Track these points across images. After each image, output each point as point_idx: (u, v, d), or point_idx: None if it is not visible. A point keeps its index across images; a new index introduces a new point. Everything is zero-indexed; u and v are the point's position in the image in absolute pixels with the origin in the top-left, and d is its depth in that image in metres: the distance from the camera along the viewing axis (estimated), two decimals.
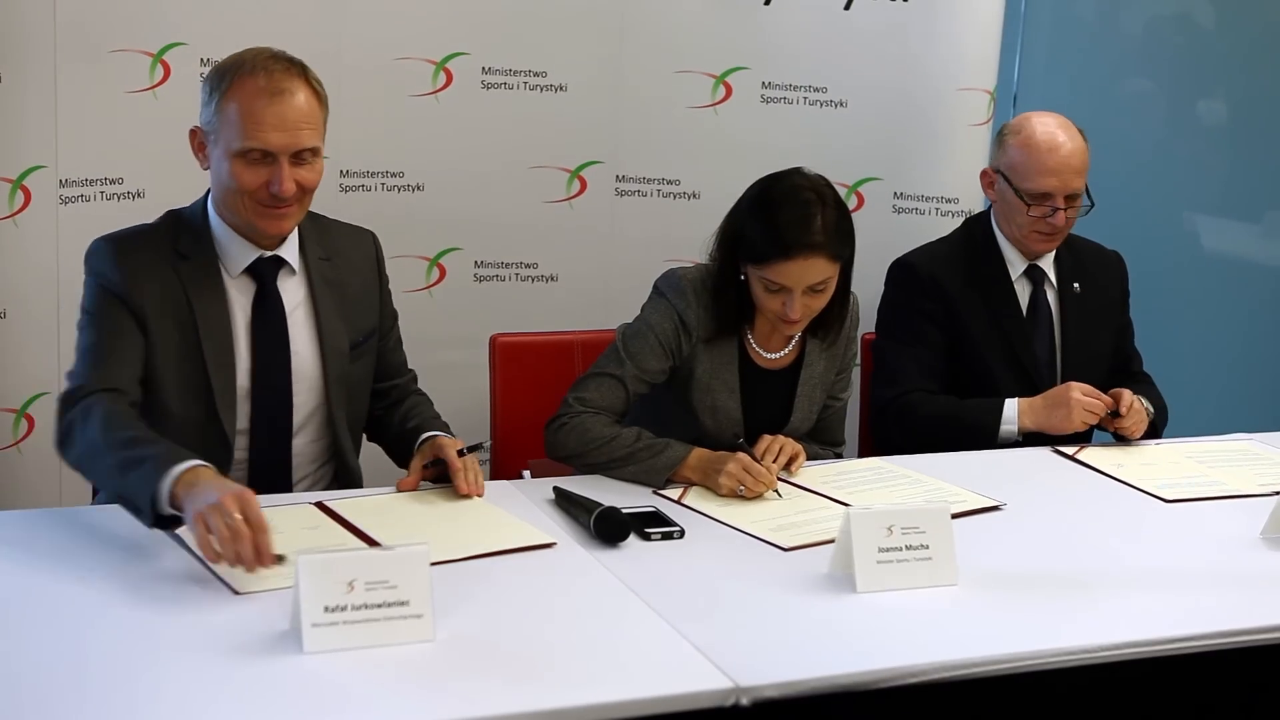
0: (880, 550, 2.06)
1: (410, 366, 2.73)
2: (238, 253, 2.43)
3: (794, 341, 2.77)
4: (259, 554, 1.91)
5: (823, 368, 2.80)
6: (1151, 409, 2.96)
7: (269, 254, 2.45)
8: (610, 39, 3.61)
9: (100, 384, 2.29)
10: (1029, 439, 2.90)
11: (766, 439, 2.60)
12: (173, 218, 2.47)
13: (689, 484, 2.50)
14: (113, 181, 3.24)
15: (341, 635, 1.77)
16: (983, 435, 2.90)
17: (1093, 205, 3.03)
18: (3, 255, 3.14)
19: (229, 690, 1.68)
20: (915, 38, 3.70)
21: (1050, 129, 3.01)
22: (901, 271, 3.13)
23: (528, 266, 3.68)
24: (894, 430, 3.00)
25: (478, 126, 3.54)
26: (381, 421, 2.65)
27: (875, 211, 3.76)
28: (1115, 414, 2.86)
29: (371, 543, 2.13)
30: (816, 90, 3.72)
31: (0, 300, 3.16)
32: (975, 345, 3.04)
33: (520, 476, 2.57)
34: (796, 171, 2.65)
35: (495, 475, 2.87)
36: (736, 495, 2.45)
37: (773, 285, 2.57)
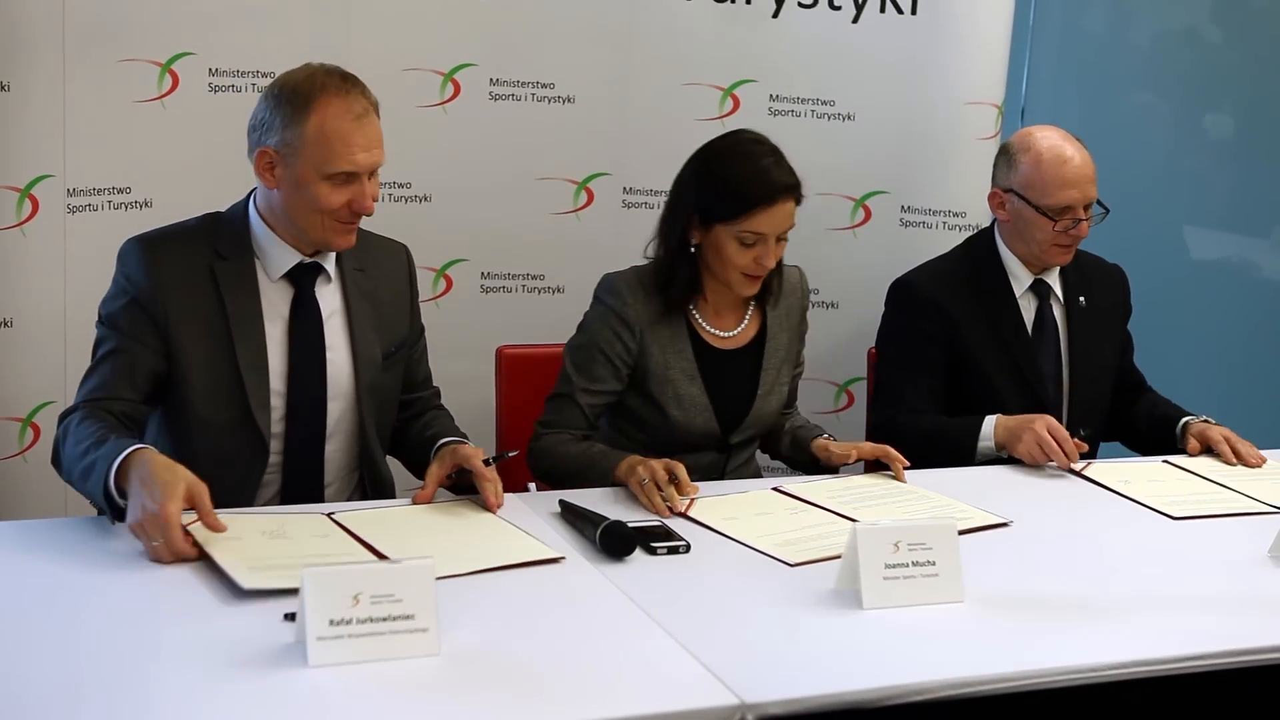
0: (887, 566, 2.06)
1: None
2: (279, 257, 2.45)
3: (747, 317, 2.80)
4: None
5: (786, 339, 2.84)
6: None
7: (308, 260, 2.46)
8: (618, 51, 3.61)
9: (89, 397, 2.33)
10: None
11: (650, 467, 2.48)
12: (214, 219, 2.50)
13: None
14: (120, 191, 3.24)
15: (346, 649, 1.77)
16: (961, 451, 2.88)
17: (1107, 211, 3.03)
18: (10, 264, 3.14)
19: (233, 703, 1.67)
20: (923, 51, 3.70)
21: (1056, 142, 3.02)
22: (901, 292, 3.12)
23: (534, 278, 3.68)
24: None
25: (485, 138, 3.54)
26: (401, 433, 2.65)
27: (882, 225, 3.76)
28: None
29: (378, 556, 2.13)
30: (824, 103, 3.72)
31: (7, 309, 3.17)
32: (979, 364, 3.03)
33: (526, 489, 2.57)
34: (738, 130, 2.76)
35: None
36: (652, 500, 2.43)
37: (750, 237, 2.62)
